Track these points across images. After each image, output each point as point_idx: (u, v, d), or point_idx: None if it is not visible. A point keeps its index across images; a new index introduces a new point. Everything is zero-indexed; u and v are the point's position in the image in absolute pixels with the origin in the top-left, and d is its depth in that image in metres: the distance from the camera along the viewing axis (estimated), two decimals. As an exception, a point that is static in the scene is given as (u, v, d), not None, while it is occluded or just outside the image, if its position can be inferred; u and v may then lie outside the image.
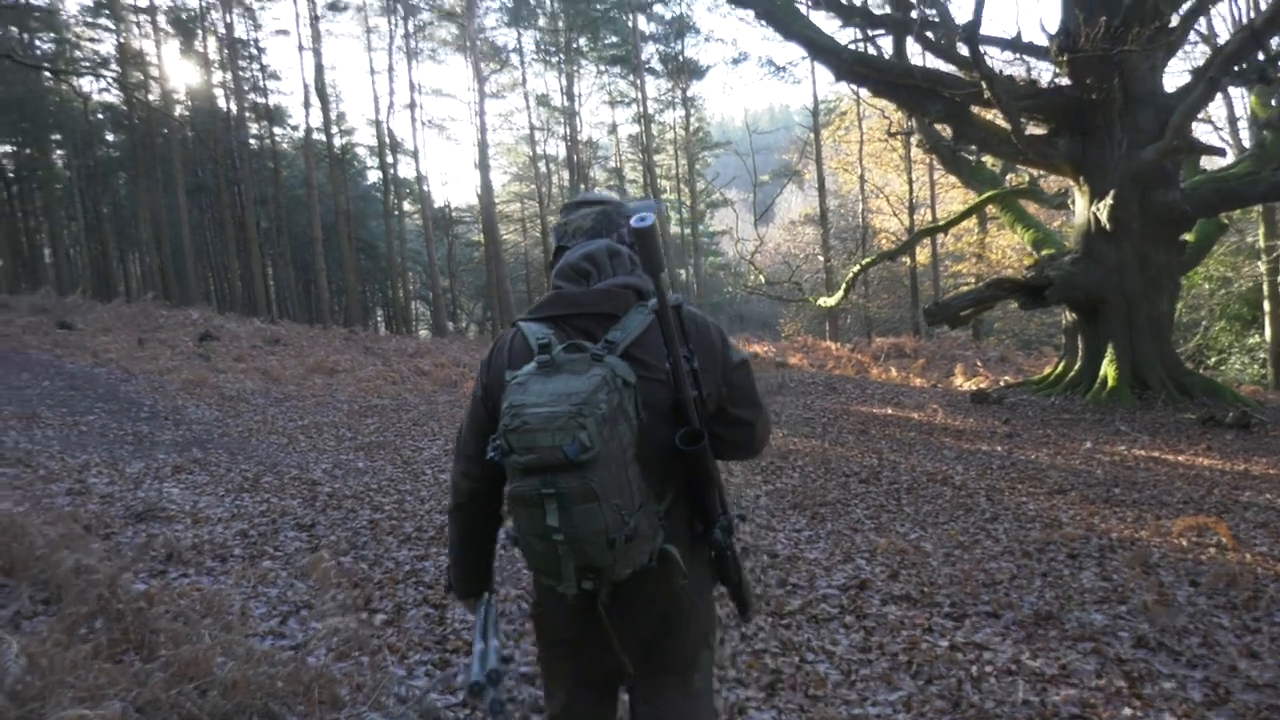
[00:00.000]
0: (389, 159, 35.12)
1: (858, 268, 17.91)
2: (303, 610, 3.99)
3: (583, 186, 36.27)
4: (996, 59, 13.23)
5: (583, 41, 35.15)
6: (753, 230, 32.35)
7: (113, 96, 33.89)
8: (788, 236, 35.66)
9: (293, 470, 7.22)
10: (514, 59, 34.89)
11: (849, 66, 12.34)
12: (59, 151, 36.33)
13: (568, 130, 35.94)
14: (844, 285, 17.93)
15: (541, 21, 34.54)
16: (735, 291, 28.23)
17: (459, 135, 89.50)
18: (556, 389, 1.47)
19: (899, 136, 17.30)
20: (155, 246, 32.22)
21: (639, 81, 31.50)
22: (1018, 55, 13.51)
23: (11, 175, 35.55)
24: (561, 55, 35.03)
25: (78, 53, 33.39)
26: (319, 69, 31.15)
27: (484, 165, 29.05)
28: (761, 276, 21.58)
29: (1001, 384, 13.85)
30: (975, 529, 5.66)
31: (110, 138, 36.39)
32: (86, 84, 34.16)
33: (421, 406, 11.58)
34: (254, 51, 35.59)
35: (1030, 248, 14.69)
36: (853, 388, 13.98)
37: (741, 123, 40.45)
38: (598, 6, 33.94)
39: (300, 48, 31.51)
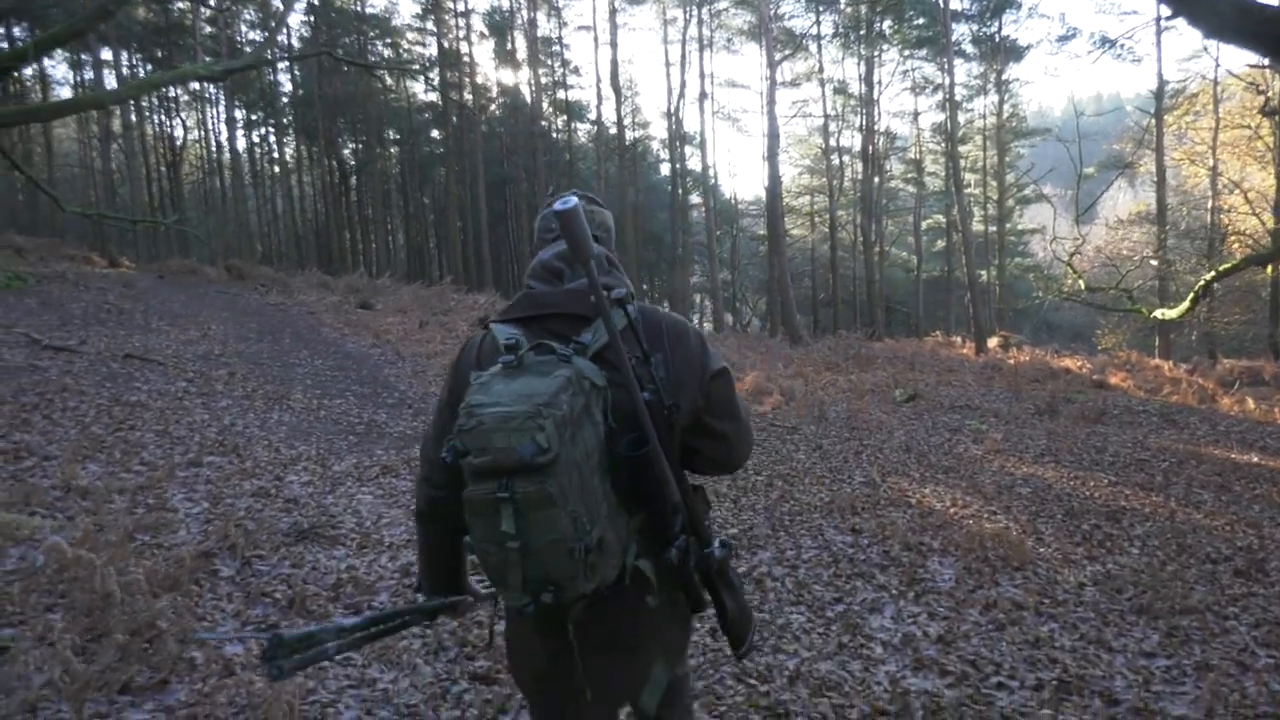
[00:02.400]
0: (679, 151, 34.99)
1: (1211, 275, 14.74)
2: None
3: (876, 180, 34.15)
4: None
5: (886, 25, 32.91)
6: (1071, 228, 28.77)
7: (434, 96, 36.40)
8: (1112, 237, 31.29)
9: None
10: (811, 45, 33.41)
11: (1228, 21, 9.74)
12: (393, 149, 40.01)
13: (864, 119, 33.94)
14: (1192, 295, 14.85)
15: (843, 4, 32.69)
16: (1046, 297, 24.95)
17: (750, 127, 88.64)
18: (518, 389, 1.41)
19: (1276, 118, 13.91)
20: (461, 235, 34.30)
21: (947, 64, 28.75)
22: None
23: (351, 166, 39.45)
24: (862, 39, 33.01)
25: (405, 55, 36.42)
26: (614, 63, 31.58)
27: (772, 156, 27.87)
28: (1081, 281, 18.64)
29: None
30: None
31: (435, 135, 39.11)
32: (413, 85, 37.32)
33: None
34: (558, 48, 36.93)
35: None
36: (1198, 422, 11.26)
37: (1060, 112, 36.26)
38: (905, -15, 31.56)
39: (597, 42, 32.09)
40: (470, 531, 1.43)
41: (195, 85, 34.17)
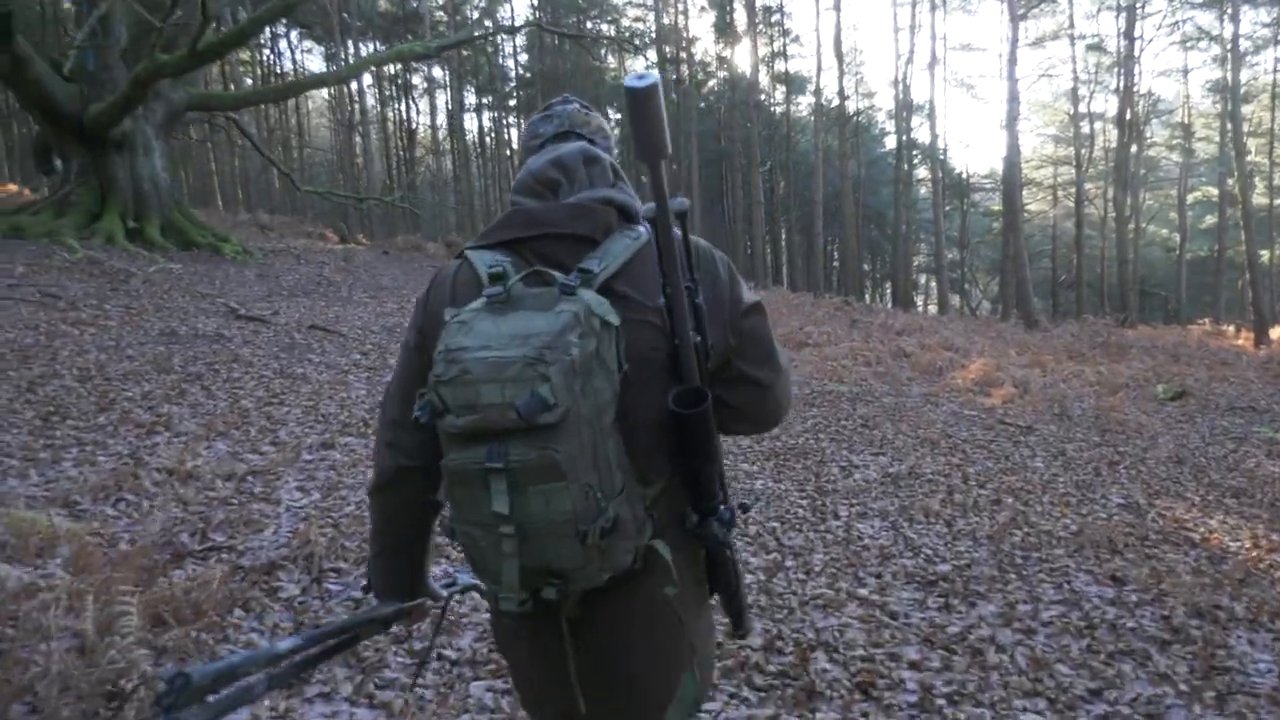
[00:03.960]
0: (905, 122, 32.65)
1: None
2: None
3: (1134, 149, 30.36)
4: None
5: (1153, -31, 29.03)
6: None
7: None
8: None
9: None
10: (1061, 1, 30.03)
11: None
12: (615, 129, 40.18)
13: (1121, 80, 30.19)
14: None
15: (1099, -52, 29.12)
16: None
17: (985, 93, 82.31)
18: (511, 329, 1.14)
19: None
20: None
21: (1231, 9, 24.77)
22: None
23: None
24: (1123, -12, 29.27)
25: (625, 33, 36.36)
26: (838, 28, 29.67)
27: (1011, 122, 25.21)
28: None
29: None
30: None
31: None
32: (634, 64, 37.26)
33: (885, 398, 9.31)
34: (778, 17, 35.48)
35: None
36: None
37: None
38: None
39: (819, 8, 30.38)
40: (451, 510, 1.19)
41: (429, 71, 35.73)
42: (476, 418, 1.10)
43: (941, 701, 2.91)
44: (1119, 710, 2.89)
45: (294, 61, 37.49)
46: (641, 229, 1.33)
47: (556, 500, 1.11)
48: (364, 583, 1.74)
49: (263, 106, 35.44)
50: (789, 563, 4.16)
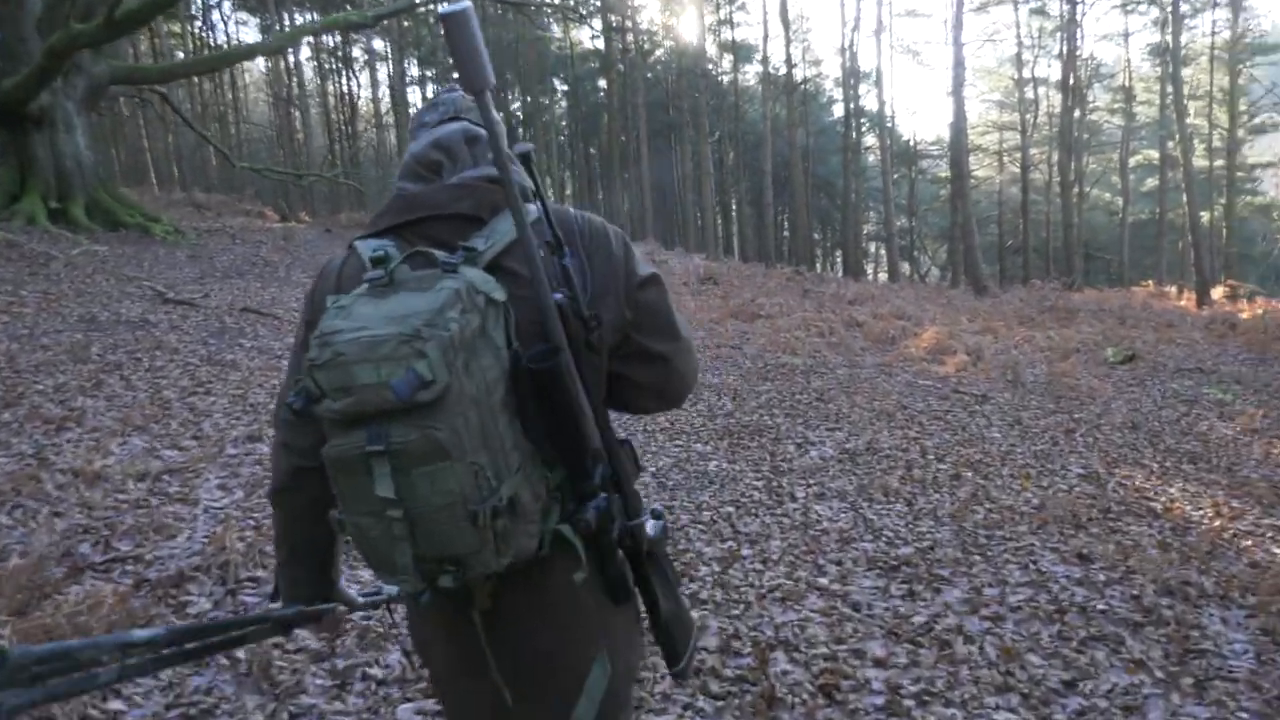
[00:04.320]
0: (852, 90, 32.51)
1: None
2: None
3: (1077, 113, 30.62)
4: None
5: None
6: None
7: (599, 42, 35.53)
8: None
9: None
10: (1005, -38, 30.03)
11: None
12: (561, 101, 39.64)
13: (1064, 44, 30.35)
14: None
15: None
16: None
17: (931, 60, 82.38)
18: (389, 310, 1.08)
19: None
20: (624, 186, 33.55)
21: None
22: None
23: (519, 119, 39.35)
24: (1066, -49, 29.33)
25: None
26: (784, -6, 29.38)
27: (957, 88, 25.17)
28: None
29: None
30: None
31: (601, 84, 38.37)
32: (579, 34, 36.65)
33: (839, 369, 9.16)
34: (725, -18, 35.01)
35: None
36: None
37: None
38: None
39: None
40: (339, 500, 1.12)
41: (369, 42, 34.73)
42: (352, 400, 1.06)
43: (910, 703, 2.72)
44: (1095, 704, 2.71)
45: (228, 35, 36.16)
46: (532, 207, 1.25)
47: (442, 480, 1.06)
48: (271, 592, 1.57)
49: (196, 81, 34.21)
50: (745, 551, 3.94)
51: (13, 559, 3.17)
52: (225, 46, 32.80)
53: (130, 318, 7.85)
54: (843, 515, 4.47)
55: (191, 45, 31.98)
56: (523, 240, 1.15)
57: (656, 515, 1.31)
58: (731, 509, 4.58)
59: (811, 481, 5.05)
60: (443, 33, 1.08)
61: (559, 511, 1.22)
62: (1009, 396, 8.23)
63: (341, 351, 1.06)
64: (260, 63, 34.81)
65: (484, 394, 1.10)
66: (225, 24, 36.50)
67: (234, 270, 11.74)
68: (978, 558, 3.90)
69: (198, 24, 34.52)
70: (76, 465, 4.18)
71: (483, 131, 1.34)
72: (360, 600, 1.53)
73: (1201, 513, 4.72)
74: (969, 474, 5.32)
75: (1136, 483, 5.29)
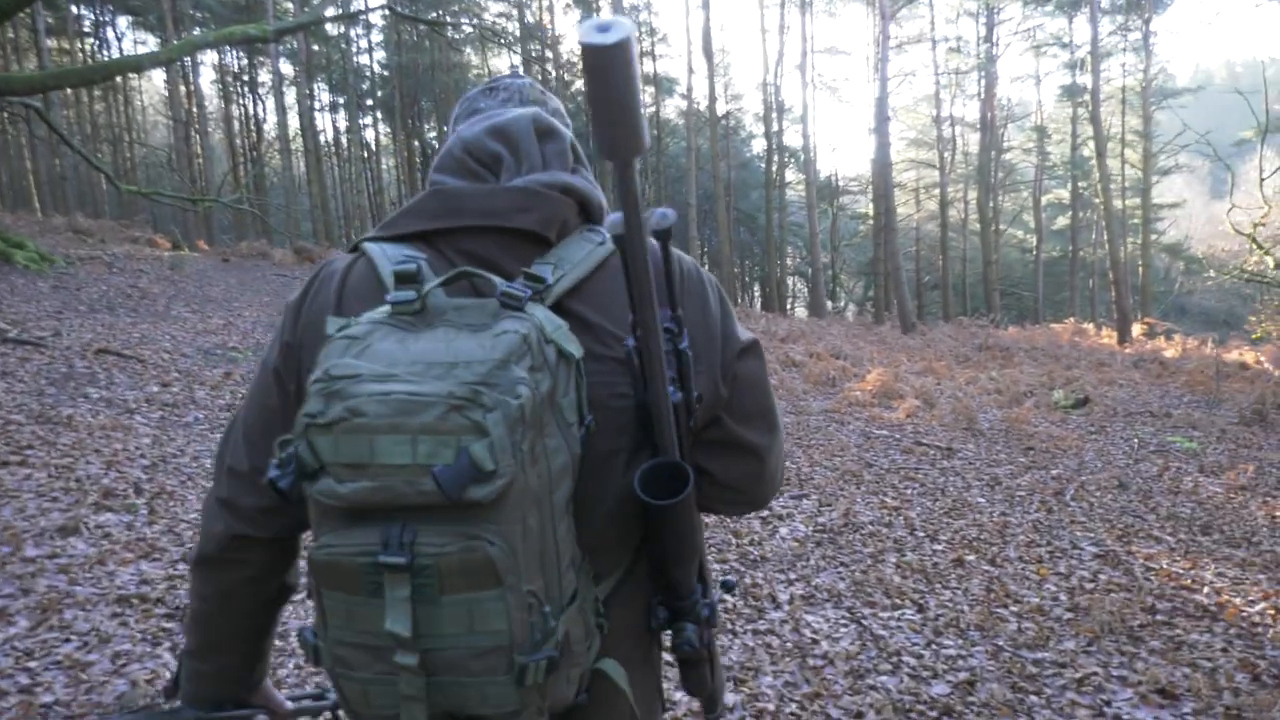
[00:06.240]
0: (775, 125, 32.33)
1: None
2: None
3: (994, 153, 31.03)
4: None
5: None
6: (1210, 204, 25.13)
7: (520, 67, 34.76)
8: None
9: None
10: (923, 3, 30.31)
11: None
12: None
13: (981, 85, 30.78)
14: None
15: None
16: (1219, 276, 21.28)
17: (851, 96, 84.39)
18: (428, 352, 0.77)
19: None
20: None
21: (1091, 12, 25.26)
22: None
23: (435, 149, 38.17)
24: (982, -6, 29.77)
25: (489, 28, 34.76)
26: (706, 28, 29.00)
27: (881, 123, 25.05)
28: (1270, 258, 15.31)
29: None
30: None
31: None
32: (497, 63, 35.80)
33: (785, 416, 8.33)
34: (645, 15, 34.61)
35: None
36: None
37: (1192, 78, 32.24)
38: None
39: (688, 7, 29.71)
40: (319, 620, 0.80)
41: (276, 65, 33.14)
42: (370, 485, 0.74)
43: None
44: None
45: (122, 53, 34.09)
46: (605, 234, 0.95)
47: (484, 616, 0.75)
48: (167, 685, 1.08)
49: (86, 100, 32.13)
50: (729, 699, 2.96)
51: None
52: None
53: (-45, 362, 6.52)
54: (843, 630, 3.51)
55: (82, 62, 30.03)
56: (647, 342, 0.78)
57: (728, 587, 1.15)
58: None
59: (793, 575, 4.10)
60: (584, 69, 0.69)
61: (599, 641, 0.89)
62: (974, 449, 7.50)
63: (361, 410, 0.73)
64: (159, 83, 32.96)
65: (548, 491, 0.79)
66: (119, 41, 34.29)
67: (102, 303, 10.34)
68: (1035, 698, 2.98)
69: (90, 40, 32.61)
70: None
71: (561, 127, 1.02)
72: (290, 706, 1.12)
73: (1256, 607, 3.94)
74: (971, 557, 4.45)
75: (1163, 565, 4.49)
